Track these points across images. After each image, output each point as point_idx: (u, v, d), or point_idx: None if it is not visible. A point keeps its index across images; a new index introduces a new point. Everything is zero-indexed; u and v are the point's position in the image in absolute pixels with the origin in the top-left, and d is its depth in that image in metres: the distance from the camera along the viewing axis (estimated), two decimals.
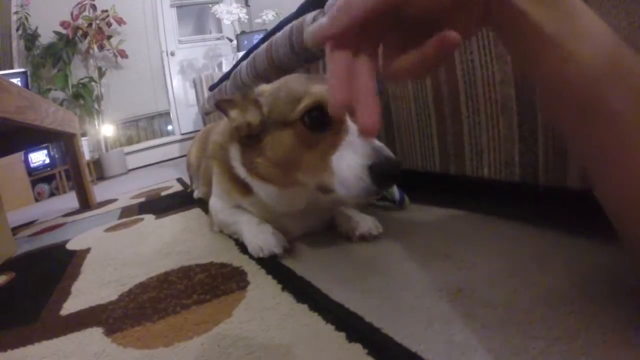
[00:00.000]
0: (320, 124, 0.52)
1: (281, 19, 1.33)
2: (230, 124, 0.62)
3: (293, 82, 0.58)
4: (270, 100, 0.58)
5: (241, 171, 0.64)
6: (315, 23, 0.28)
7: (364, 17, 0.26)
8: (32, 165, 3.23)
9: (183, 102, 4.31)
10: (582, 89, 0.26)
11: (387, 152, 0.46)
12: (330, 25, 0.27)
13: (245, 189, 0.66)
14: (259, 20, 3.41)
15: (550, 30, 0.25)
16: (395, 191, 0.73)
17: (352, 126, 0.50)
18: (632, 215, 0.27)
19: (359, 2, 0.26)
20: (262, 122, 0.58)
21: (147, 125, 4.32)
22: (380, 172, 0.45)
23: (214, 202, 0.77)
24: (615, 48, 0.25)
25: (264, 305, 0.47)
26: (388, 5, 0.26)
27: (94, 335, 0.49)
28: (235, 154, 0.65)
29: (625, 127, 0.25)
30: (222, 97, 0.64)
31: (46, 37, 3.59)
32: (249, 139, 0.60)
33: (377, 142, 0.48)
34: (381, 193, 0.50)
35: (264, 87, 0.61)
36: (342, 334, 0.38)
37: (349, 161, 0.47)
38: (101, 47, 3.78)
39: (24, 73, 2.56)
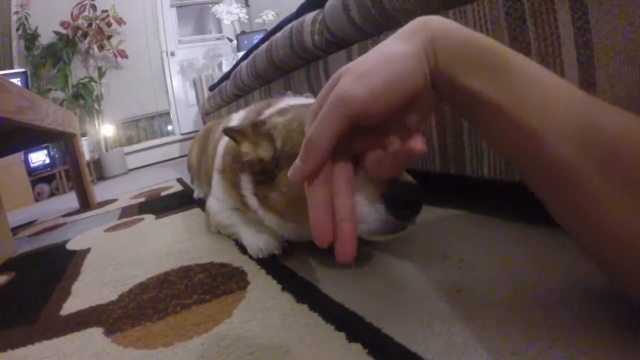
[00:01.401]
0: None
1: (281, 19, 1.33)
2: (242, 158, 0.57)
3: (305, 113, 0.55)
4: (283, 133, 0.53)
5: (252, 202, 0.61)
6: (292, 166, 0.31)
7: (328, 150, 0.29)
8: (32, 165, 3.23)
9: (183, 102, 4.31)
10: (524, 147, 0.28)
11: (407, 177, 0.40)
12: (303, 168, 0.30)
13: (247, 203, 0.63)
14: (259, 20, 3.41)
15: (490, 97, 0.28)
16: None
17: None
18: (621, 272, 0.27)
19: (319, 141, 0.29)
20: (275, 157, 0.53)
21: (147, 125, 4.32)
22: (398, 201, 0.38)
23: (212, 203, 0.77)
24: (558, 103, 0.27)
25: (264, 305, 0.47)
26: (344, 132, 0.29)
27: (94, 335, 0.49)
28: (246, 185, 0.61)
29: (581, 181, 0.25)
30: (232, 127, 0.58)
31: (46, 37, 3.59)
32: (262, 174, 0.56)
33: None
34: (405, 227, 0.41)
35: (277, 120, 0.55)
36: (342, 334, 0.38)
37: (363, 192, 0.39)
38: (101, 47, 3.78)
39: (24, 73, 2.56)
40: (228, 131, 0.58)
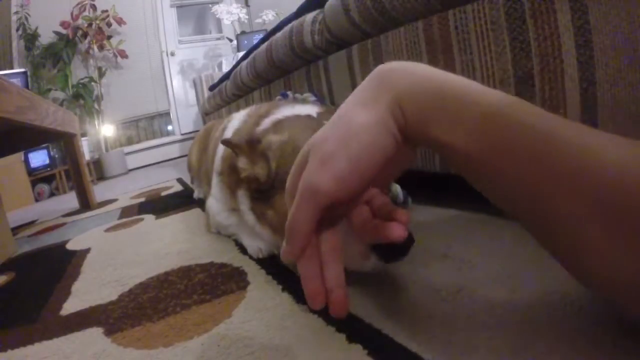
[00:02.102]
0: None
1: (281, 19, 1.33)
2: (239, 172, 0.56)
3: (300, 134, 0.53)
4: (277, 155, 0.52)
5: (249, 217, 0.60)
6: (281, 248, 0.33)
7: (309, 233, 0.31)
8: (32, 165, 3.23)
9: (183, 102, 4.31)
10: (502, 189, 0.27)
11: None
12: (291, 250, 0.32)
13: None
14: (259, 20, 3.41)
15: (469, 150, 0.27)
16: (399, 192, 0.73)
17: None
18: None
19: (299, 228, 0.31)
20: (270, 178, 0.53)
21: (147, 125, 4.32)
22: (387, 250, 0.38)
23: (212, 204, 0.77)
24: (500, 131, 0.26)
25: (264, 305, 0.47)
26: (321, 215, 0.30)
27: (94, 335, 0.49)
28: (243, 200, 0.60)
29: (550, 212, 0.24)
30: (229, 140, 0.57)
31: (46, 37, 3.59)
32: (259, 192, 0.55)
33: None
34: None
35: (272, 139, 0.54)
36: (343, 335, 0.38)
37: (352, 236, 0.39)
38: (101, 47, 3.78)
39: (24, 73, 2.56)
40: (226, 143, 0.57)
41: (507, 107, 0.26)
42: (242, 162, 0.56)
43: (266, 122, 0.61)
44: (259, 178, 0.54)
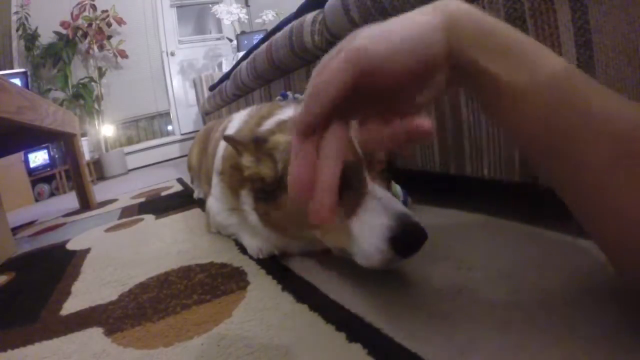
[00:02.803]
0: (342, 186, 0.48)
1: (281, 19, 1.33)
2: (243, 171, 0.56)
3: None
4: (284, 157, 0.51)
5: (252, 217, 0.59)
6: (295, 114, 0.29)
7: (334, 101, 0.27)
8: (32, 165, 3.23)
9: (183, 102, 4.31)
10: (537, 127, 0.28)
11: (412, 218, 0.41)
12: (307, 114, 0.28)
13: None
14: (259, 20, 3.41)
15: (506, 79, 0.28)
16: (399, 192, 0.73)
17: (372, 188, 0.45)
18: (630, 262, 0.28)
19: (326, 89, 0.27)
20: (277, 178, 0.52)
21: (147, 125, 4.32)
22: (404, 244, 0.40)
23: (212, 204, 0.77)
24: (567, 81, 0.28)
25: (264, 305, 0.47)
26: (352, 86, 0.27)
27: (94, 335, 0.49)
28: (246, 200, 0.59)
29: (594, 162, 0.26)
30: (233, 136, 0.57)
31: (46, 37, 3.59)
32: (264, 192, 0.54)
33: (399, 206, 0.42)
34: (400, 262, 0.42)
35: (279, 139, 0.53)
36: (342, 334, 0.38)
37: (369, 231, 0.41)
38: (101, 47, 3.78)
39: (24, 73, 2.56)
40: (229, 139, 0.56)
41: (559, 66, 0.28)
42: (246, 160, 0.55)
43: (270, 123, 0.61)
44: (265, 178, 0.53)
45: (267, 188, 0.53)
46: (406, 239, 0.40)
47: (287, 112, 0.62)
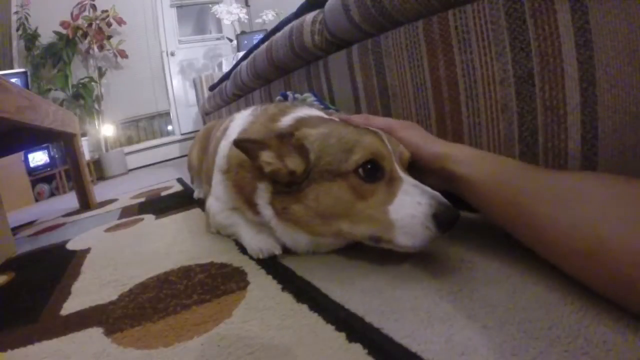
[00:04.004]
0: (375, 175, 0.50)
1: (281, 19, 1.33)
2: (264, 169, 0.55)
3: (342, 129, 0.54)
4: (317, 146, 0.52)
5: (267, 212, 0.59)
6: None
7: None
8: (32, 165, 3.23)
9: (183, 102, 4.31)
10: (484, 202, 0.48)
11: (444, 199, 0.46)
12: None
13: (254, 208, 0.62)
14: (259, 20, 3.41)
15: (463, 172, 0.49)
16: None
17: (404, 176, 0.50)
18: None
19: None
20: (307, 170, 0.52)
21: (147, 125, 4.32)
22: (445, 220, 0.45)
23: (212, 203, 0.77)
24: (496, 167, 0.47)
25: (264, 305, 0.47)
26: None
27: (94, 335, 0.49)
28: (263, 194, 0.59)
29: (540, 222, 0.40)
30: (248, 138, 0.56)
31: (46, 37, 3.59)
32: (288, 186, 0.54)
33: (429, 189, 0.47)
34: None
35: (309, 131, 0.54)
36: (342, 334, 0.38)
37: (412, 211, 0.46)
38: (101, 47, 3.78)
39: (24, 73, 2.56)
40: (241, 142, 0.55)
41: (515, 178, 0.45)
42: (267, 156, 0.55)
43: (287, 120, 0.61)
44: (295, 171, 0.53)
45: (295, 181, 0.54)
46: (446, 214, 0.45)
47: (300, 111, 0.63)
